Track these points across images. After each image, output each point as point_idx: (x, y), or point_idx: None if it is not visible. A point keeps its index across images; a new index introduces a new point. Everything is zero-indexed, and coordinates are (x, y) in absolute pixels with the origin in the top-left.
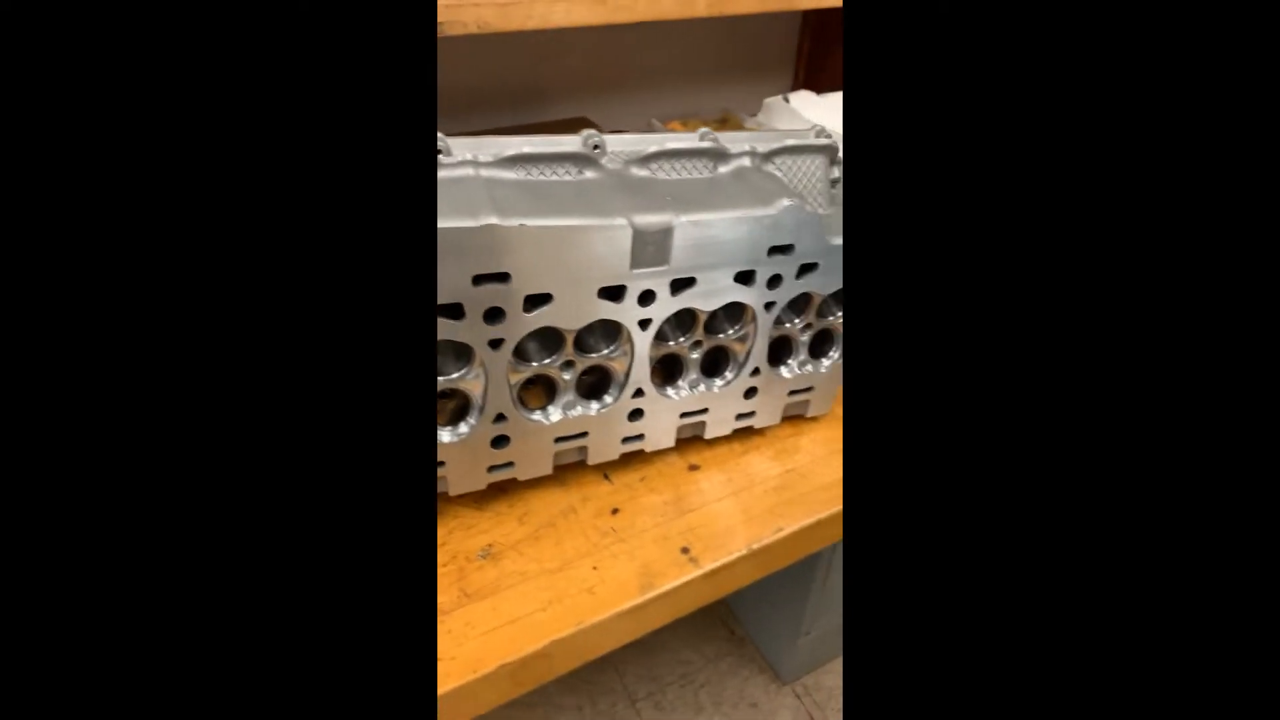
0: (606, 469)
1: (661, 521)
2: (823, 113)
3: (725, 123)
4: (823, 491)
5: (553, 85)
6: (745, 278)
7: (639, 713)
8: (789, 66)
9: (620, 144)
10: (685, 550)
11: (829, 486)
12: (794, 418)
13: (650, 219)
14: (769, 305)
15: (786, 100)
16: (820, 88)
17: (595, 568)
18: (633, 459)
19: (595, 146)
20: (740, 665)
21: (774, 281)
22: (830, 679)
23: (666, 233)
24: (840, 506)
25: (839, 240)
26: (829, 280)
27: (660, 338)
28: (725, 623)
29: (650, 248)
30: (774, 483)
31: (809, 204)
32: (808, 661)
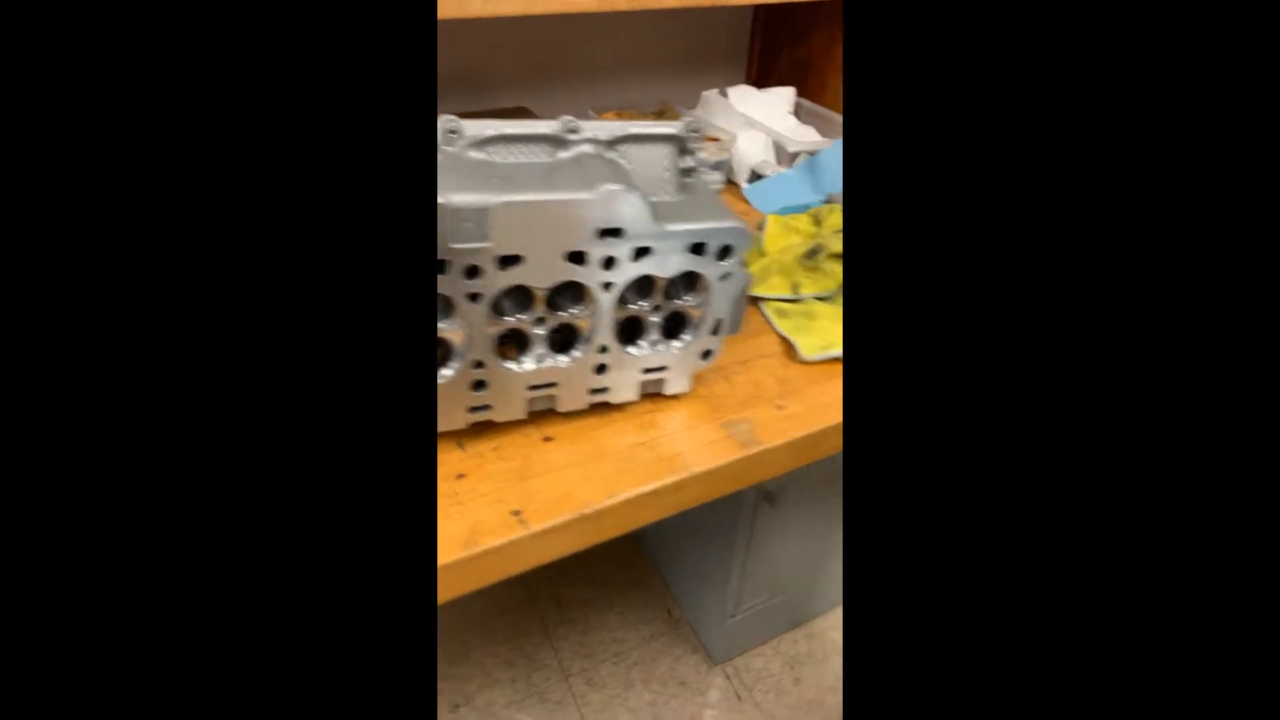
0: (461, 438)
1: (502, 486)
2: (758, 107)
3: (662, 114)
4: (665, 462)
5: (497, 74)
6: (578, 258)
7: (571, 687)
8: (741, 61)
9: (474, 129)
10: (516, 513)
11: (671, 458)
12: (655, 395)
13: (467, 198)
14: (606, 285)
15: (723, 94)
16: (770, 82)
17: None
18: (487, 430)
19: (451, 131)
20: (673, 645)
21: (609, 263)
22: (759, 661)
23: (483, 211)
24: (677, 476)
25: (679, 226)
26: (666, 263)
27: (500, 311)
28: (664, 604)
29: (468, 224)
30: (622, 454)
31: (656, 192)
32: (738, 644)
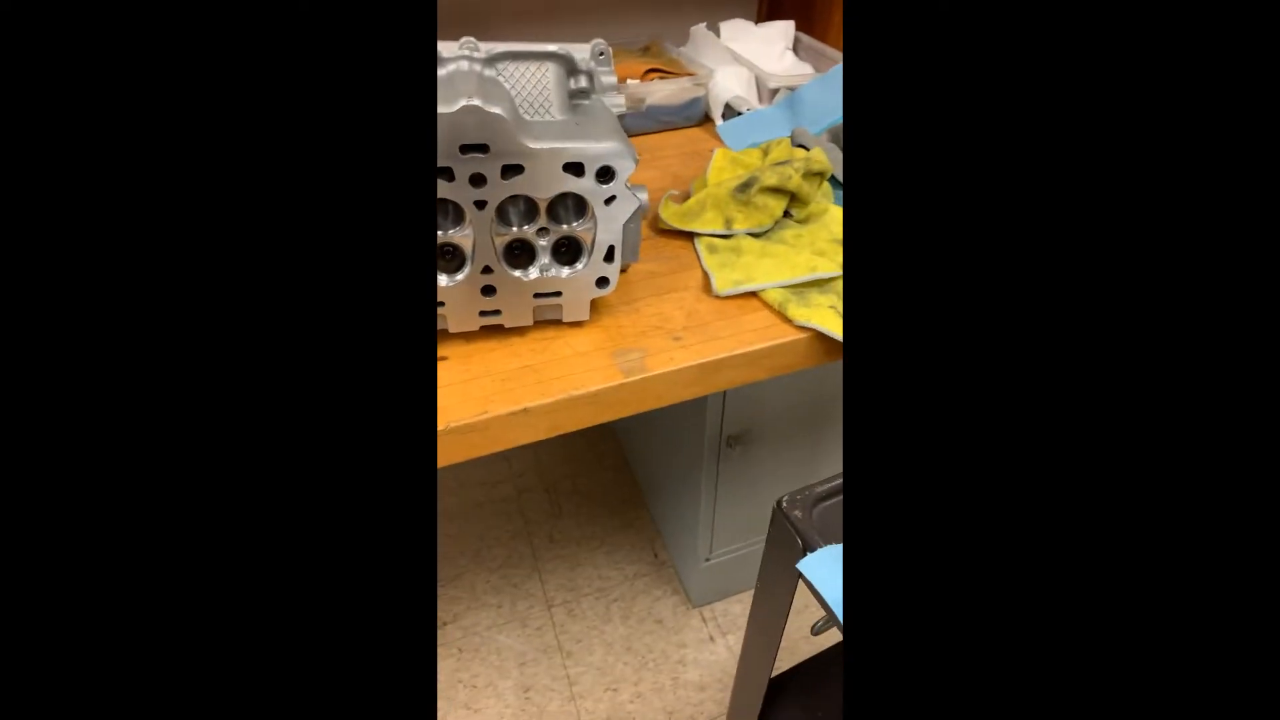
0: None
1: None
2: (752, 43)
3: (648, 50)
4: (543, 385)
5: (496, 10)
6: (445, 174)
7: (552, 616)
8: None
9: None
10: None
11: (551, 381)
12: (555, 322)
13: None
14: (479, 204)
15: (714, 30)
16: (779, 17)
17: None
18: None
19: None
20: (655, 586)
21: (476, 180)
22: (737, 608)
23: None
24: (552, 398)
25: (548, 144)
26: (541, 184)
27: None
28: (652, 546)
29: None
30: (506, 375)
31: (537, 111)
32: (717, 588)
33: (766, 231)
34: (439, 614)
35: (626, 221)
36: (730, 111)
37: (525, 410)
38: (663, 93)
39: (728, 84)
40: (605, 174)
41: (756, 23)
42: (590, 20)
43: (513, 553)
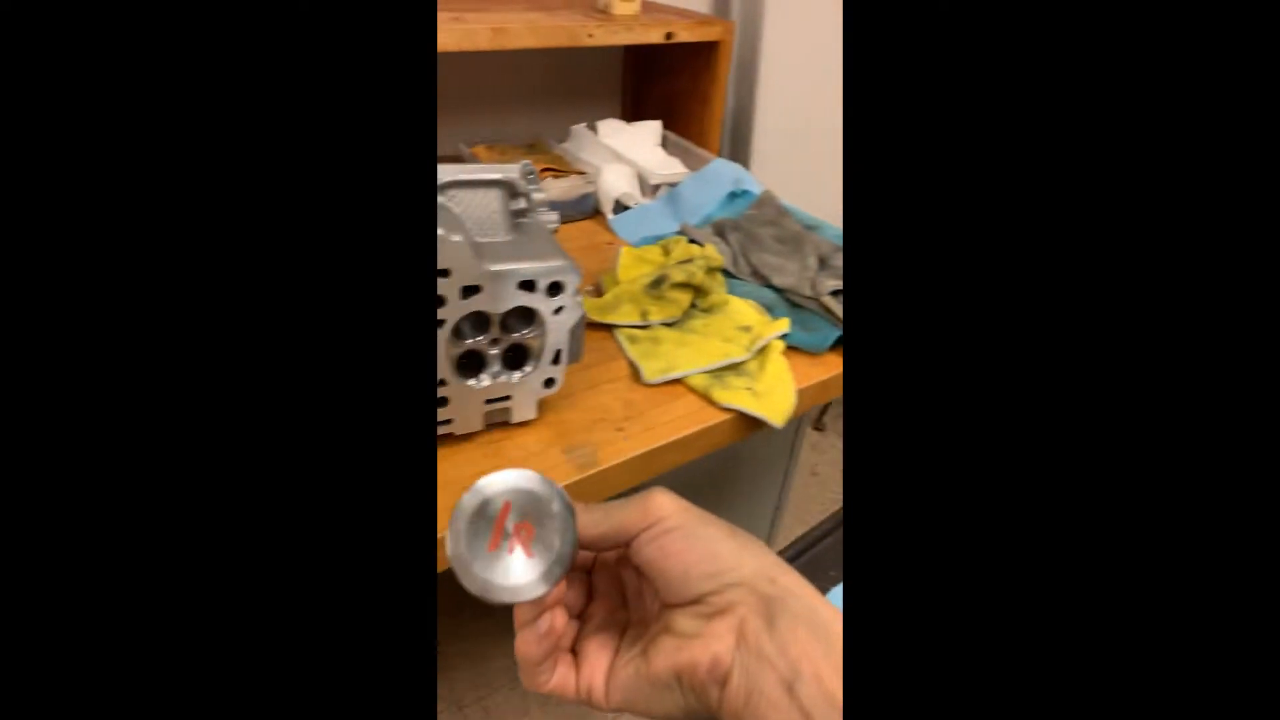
0: None
1: None
2: (626, 140)
3: (533, 148)
4: None
5: None
6: None
7: (465, 715)
8: (616, 95)
9: None
10: None
11: None
12: (502, 424)
13: None
14: (438, 321)
15: (592, 128)
16: (643, 114)
17: None
18: None
19: None
20: None
21: (437, 301)
22: None
23: None
24: None
25: (505, 266)
26: (498, 301)
27: None
28: None
29: None
30: (464, 484)
31: (488, 233)
32: None
33: (678, 321)
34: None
35: (572, 327)
36: (619, 206)
37: None
38: (558, 189)
39: (615, 180)
40: (555, 288)
41: (627, 121)
42: (469, 116)
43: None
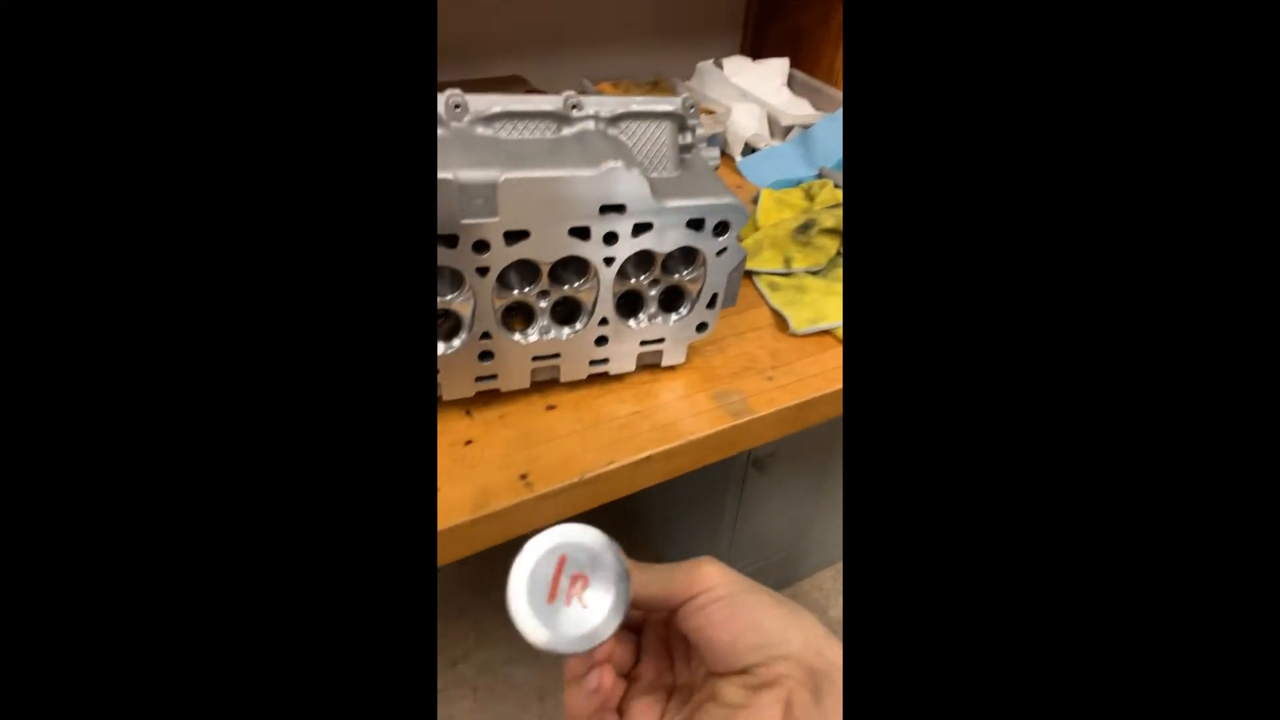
0: (469, 406)
1: (509, 452)
2: (752, 78)
3: (656, 85)
4: (659, 431)
5: (491, 42)
6: (581, 233)
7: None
8: (737, 30)
9: (478, 104)
10: (523, 477)
11: (665, 427)
12: (651, 366)
13: (476, 174)
14: (608, 260)
15: (718, 65)
16: (764, 52)
17: (437, 489)
18: (493, 399)
19: (456, 106)
20: None
21: (610, 238)
22: None
23: (492, 187)
24: (671, 444)
25: (678, 203)
26: (665, 239)
27: (506, 285)
28: None
29: (478, 200)
30: (620, 422)
31: (655, 168)
32: None
33: (823, 270)
34: (450, 654)
35: (732, 270)
36: (748, 148)
37: (648, 458)
38: None
39: (745, 121)
40: (721, 228)
41: (753, 59)
42: (587, 55)
43: None
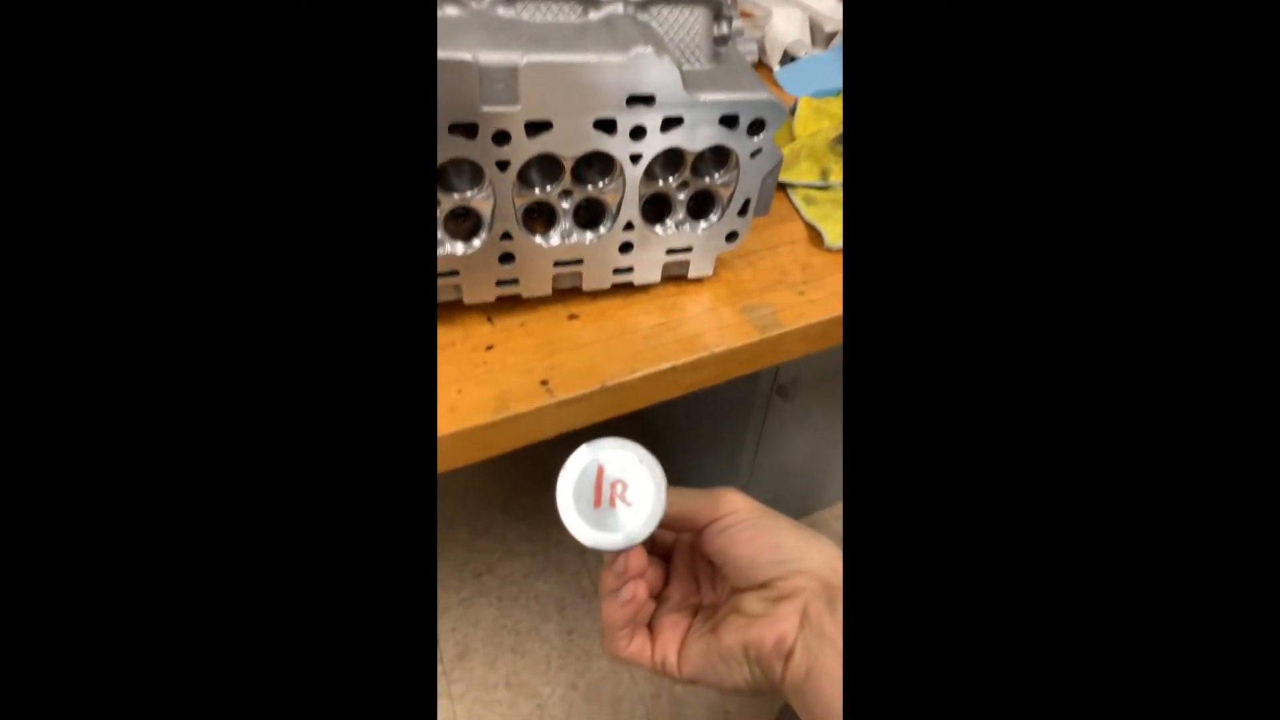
0: (490, 313)
1: (529, 359)
2: None
3: None
4: (684, 343)
5: None
6: (607, 126)
7: (585, 561)
8: None
9: None
10: (544, 383)
11: (690, 339)
12: (677, 278)
13: (497, 56)
14: (635, 158)
15: None
16: None
17: (459, 391)
18: (515, 306)
19: None
20: None
21: (637, 133)
22: None
23: (513, 72)
24: (696, 355)
25: (711, 96)
26: (695, 136)
27: (527, 183)
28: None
29: (499, 86)
30: (644, 333)
31: (687, 59)
32: None
33: None
34: (474, 567)
35: (766, 175)
36: (787, 57)
37: (673, 369)
38: None
39: (785, 26)
40: (756, 126)
41: None
42: None
43: (540, 501)
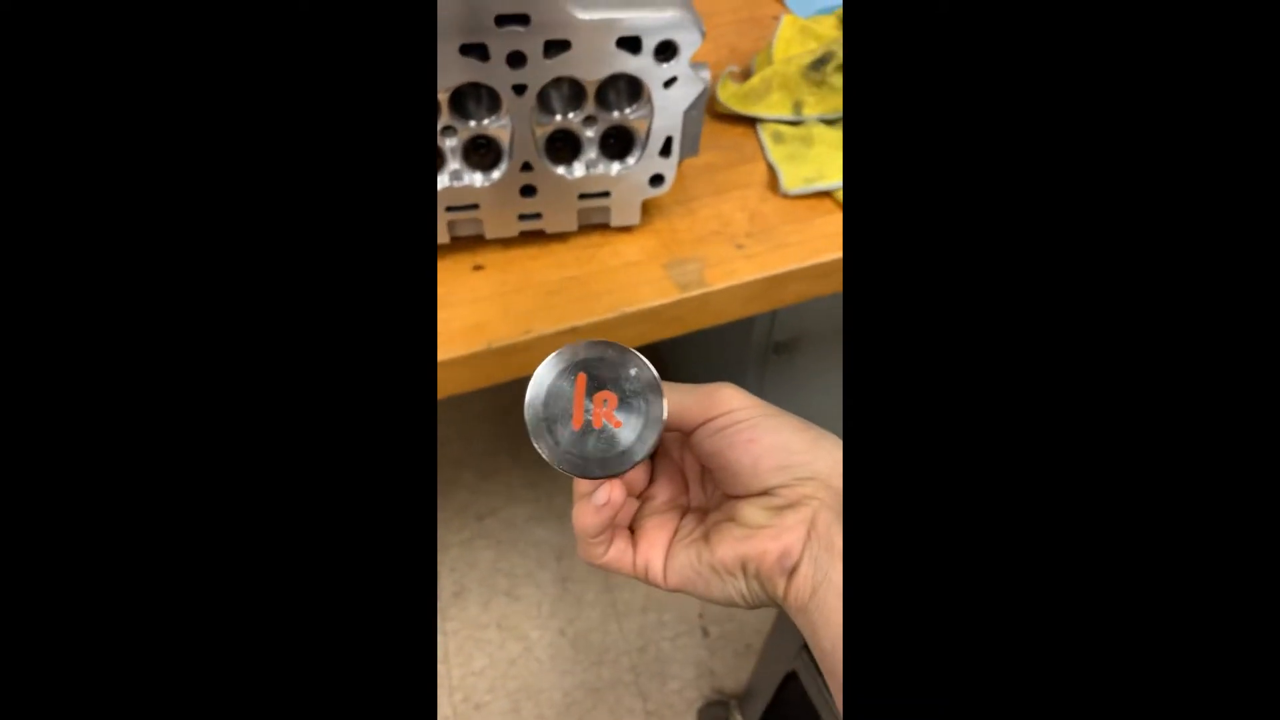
0: None
1: None
2: None
3: None
4: (591, 300)
5: None
6: (477, 52)
7: (485, 528)
8: None
9: None
10: None
11: (599, 296)
12: (601, 226)
13: None
14: (518, 89)
15: None
16: None
17: None
18: None
19: None
20: None
21: (515, 59)
22: None
23: None
24: (602, 316)
25: (598, 14)
26: (590, 63)
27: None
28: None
29: None
30: (549, 288)
31: None
32: None
33: (840, 117)
34: (477, 510)
35: (688, 109)
36: None
37: (573, 330)
38: None
39: None
40: (665, 50)
41: None
42: None
43: None
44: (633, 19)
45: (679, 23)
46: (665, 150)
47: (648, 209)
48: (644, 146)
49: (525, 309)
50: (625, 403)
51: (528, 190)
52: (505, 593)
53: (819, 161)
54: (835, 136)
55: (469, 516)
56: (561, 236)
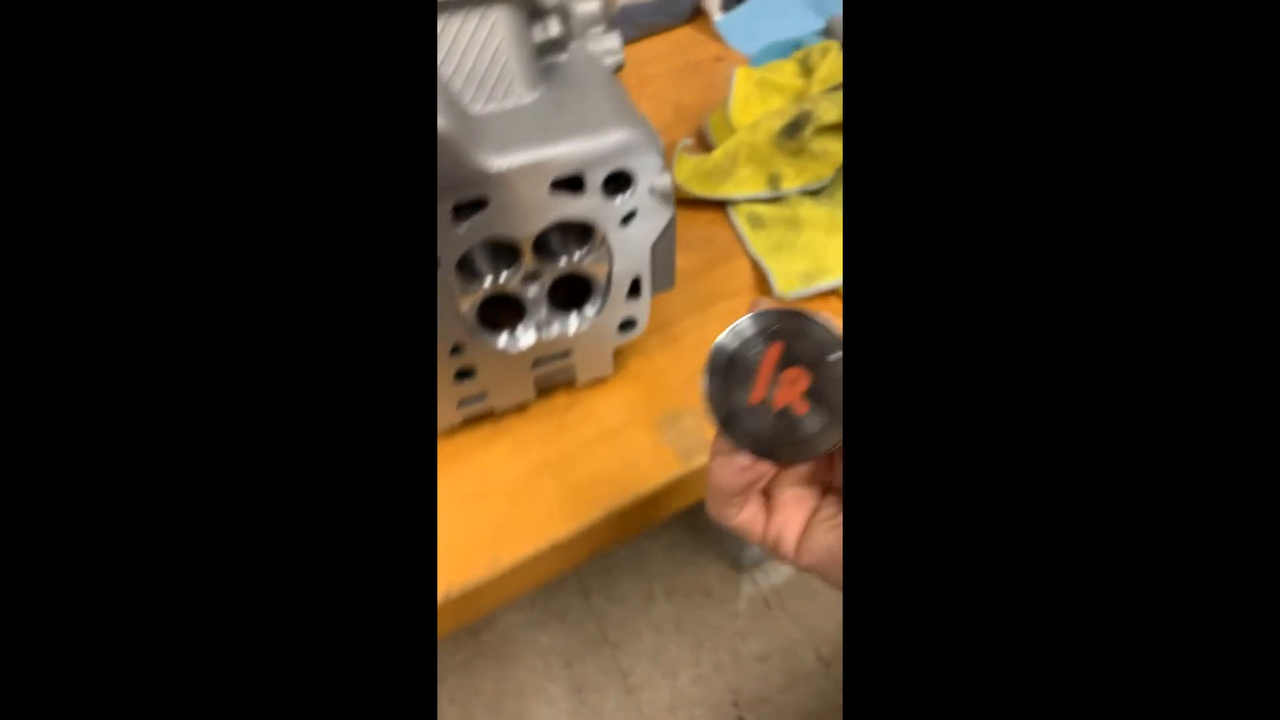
0: None
1: None
2: None
3: None
4: (572, 495)
5: None
6: None
7: (590, 605)
8: None
9: None
10: None
11: (581, 486)
12: (565, 385)
13: None
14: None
15: None
16: None
17: None
18: None
19: None
20: (696, 554)
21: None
22: (787, 568)
23: None
24: (588, 520)
25: (519, 160)
26: (519, 220)
27: None
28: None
29: None
30: (512, 489)
31: (495, 94)
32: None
33: (826, 188)
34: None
35: (656, 242)
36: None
37: (552, 547)
38: None
39: None
40: (617, 182)
41: None
42: None
43: None
44: (567, 155)
45: (630, 146)
46: (634, 290)
47: (620, 351)
48: (606, 294)
49: (489, 524)
50: (817, 389)
51: (464, 373)
52: (516, 717)
53: (813, 251)
54: (826, 215)
55: (463, 633)
56: (520, 408)
